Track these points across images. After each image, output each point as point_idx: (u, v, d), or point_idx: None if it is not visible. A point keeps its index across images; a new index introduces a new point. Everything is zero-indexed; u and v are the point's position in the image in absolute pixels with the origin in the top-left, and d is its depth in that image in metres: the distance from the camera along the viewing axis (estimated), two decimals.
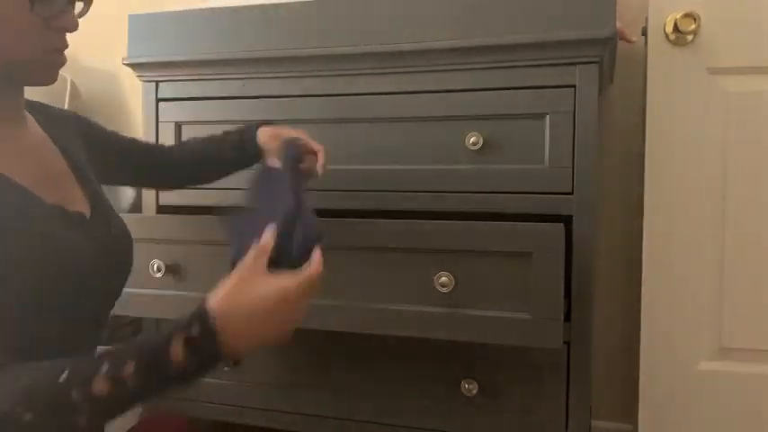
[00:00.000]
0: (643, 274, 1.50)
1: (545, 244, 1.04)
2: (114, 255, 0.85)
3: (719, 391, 1.48)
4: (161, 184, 1.28)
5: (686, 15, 1.42)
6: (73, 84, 2.02)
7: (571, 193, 1.23)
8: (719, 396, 1.48)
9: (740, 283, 1.46)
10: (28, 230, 0.71)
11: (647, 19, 1.49)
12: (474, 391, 1.29)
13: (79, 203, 0.84)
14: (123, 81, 2.15)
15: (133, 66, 1.50)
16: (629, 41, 1.60)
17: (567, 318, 1.23)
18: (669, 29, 1.45)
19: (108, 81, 2.17)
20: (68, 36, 0.78)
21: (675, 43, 1.47)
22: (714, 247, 1.47)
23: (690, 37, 1.45)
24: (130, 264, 0.91)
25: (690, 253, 1.48)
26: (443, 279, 1.08)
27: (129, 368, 0.62)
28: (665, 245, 1.49)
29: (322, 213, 1.31)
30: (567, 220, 1.24)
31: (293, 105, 1.41)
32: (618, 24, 1.47)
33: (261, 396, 1.45)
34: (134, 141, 1.14)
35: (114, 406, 0.62)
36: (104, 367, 0.61)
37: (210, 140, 1.22)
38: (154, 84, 1.51)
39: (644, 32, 1.52)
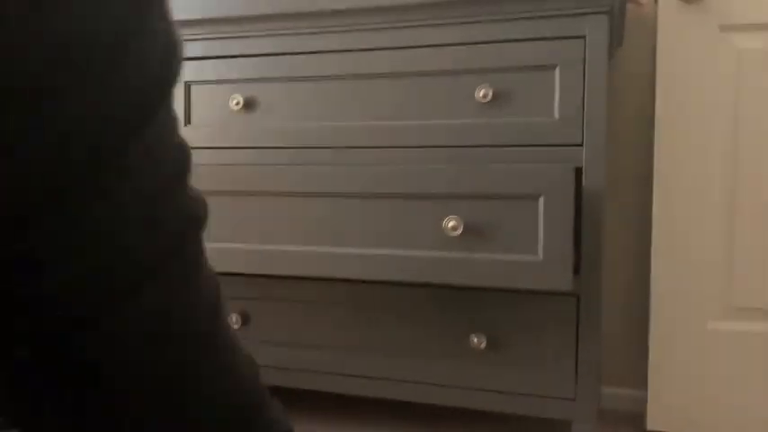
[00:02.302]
0: (653, 235, 1.50)
1: (555, 186, 1.04)
2: None
3: (729, 350, 1.48)
4: None
5: None
6: None
7: (581, 145, 1.23)
8: (729, 355, 1.48)
9: (751, 243, 1.45)
10: None
11: None
12: (483, 345, 1.28)
13: None
14: None
15: None
16: (637, 4, 1.60)
17: (577, 270, 1.23)
18: None
19: None
20: None
21: (687, 1, 1.46)
22: (725, 206, 1.46)
23: None
24: None
25: (700, 212, 1.47)
26: (452, 223, 1.08)
27: None
28: (676, 204, 1.48)
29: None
30: (577, 173, 1.24)
31: (299, 62, 1.41)
32: None
33: (271, 354, 1.45)
34: None
35: None
36: None
37: None
38: None
39: None
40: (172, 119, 0.32)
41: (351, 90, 1.38)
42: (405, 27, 1.33)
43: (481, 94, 1.27)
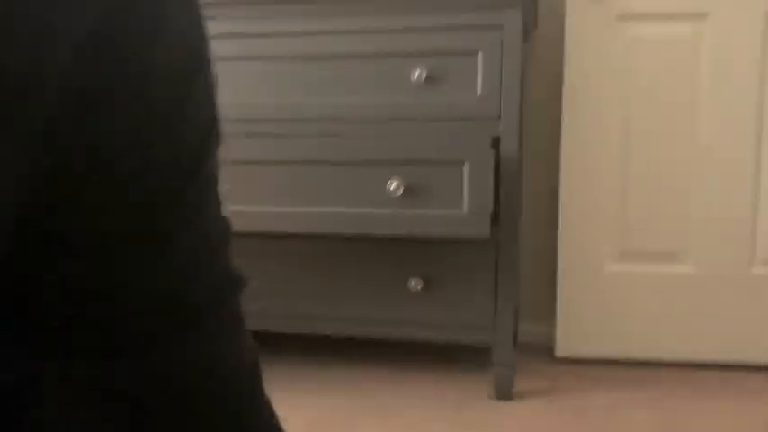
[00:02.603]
0: (560, 191, 1.78)
1: (476, 152, 1.29)
2: None
3: (623, 287, 1.78)
4: None
5: None
6: None
7: (499, 117, 1.47)
8: (623, 292, 1.78)
9: (640, 198, 1.75)
10: None
11: None
12: (419, 287, 1.53)
13: None
14: None
15: None
16: None
17: (496, 221, 1.48)
18: None
19: None
20: None
21: None
22: (619, 169, 1.75)
23: None
24: None
25: (600, 170, 1.76)
26: (394, 185, 1.31)
27: None
28: (578, 168, 1.76)
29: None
30: (495, 141, 1.48)
31: (251, 43, 1.59)
32: None
33: None
34: None
35: None
36: None
37: None
38: None
39: None
40: (216, 177, 0.33)
41: (298, 69, 1.57)
42: (346, 15, 1.53)
43: (415, 75, 1.49)
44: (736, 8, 1.67)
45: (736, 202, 1.71)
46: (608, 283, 1.79)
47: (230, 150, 1.36)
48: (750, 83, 1.68)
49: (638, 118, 1.73)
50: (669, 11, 1.70)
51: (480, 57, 1.48)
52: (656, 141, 1.73)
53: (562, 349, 1.83)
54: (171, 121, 0.28)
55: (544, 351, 1.90)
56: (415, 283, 1.54)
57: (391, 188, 1.31)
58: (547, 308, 1.95)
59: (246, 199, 1.44)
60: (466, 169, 1.30)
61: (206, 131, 0.31)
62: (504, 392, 1.54)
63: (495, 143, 1.46)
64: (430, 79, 1.50)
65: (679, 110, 1.71)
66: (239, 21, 1.59)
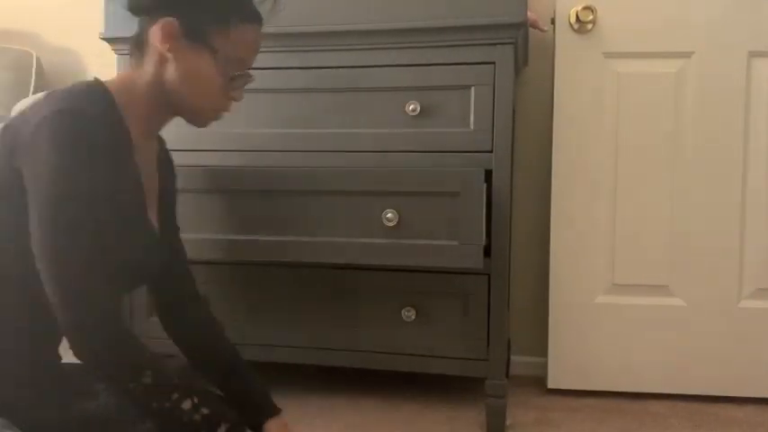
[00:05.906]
0: (551, 225, 1.80)
1: (469, 184, 1.31)
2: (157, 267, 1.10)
3: (612, 319, 1.80)
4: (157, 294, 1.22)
5: (585, 8, 1.72)
6: (38, 59, 2.16)
7: (491, 151, 1.50)
8: (612, 324, 1.80)
9: (628, 233, 1.78)
10: (135, 243, 1.00)
11: (555, 11, 1.78)
12: (413, 317, 1.54)
13: (154, 223, 1.07)
14: (83, 56, 2.31)
15: (110, 40, 1.68)
16: (541, 30, 1.89)
17: (488, 254, 1.50)
18: (573, 19, 1.75)
19: (68, 56, 2.31)
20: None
21: (578, 31, 1.76)
22: (608, 202, 1.78)
23: (589, 26, 1.75)
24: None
25: (588, 207, 1.78)
26: (389, 215, 1.33)
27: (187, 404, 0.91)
28: (569, 201, 1.79)
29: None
30: (488, 175, 1.50)
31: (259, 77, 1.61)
32: (532, 15, 1.75)
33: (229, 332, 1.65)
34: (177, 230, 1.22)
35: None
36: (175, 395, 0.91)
37: (225, 363, 1.23)
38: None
39: (553, 22, 1.81)
40: None
41: (296, 102, 1.60)
42: (347, 50, 1.57)
43: (410, 108, 1.52)
44: (721, 47, 1.72)
45: (723, 236, 1.74)
46: (599, 315, 1.81)
47: (230, 179, 1.38)
48: (735, 119, 1.73)
49: (626, 152, 1.77)
50: (655, 50, 1.74)
51: (473, 91, 1.51)
52: (643, 175, 1.76)
53: (554, 381, 1.84)
54: None
55: (536, 383, 1.91)
56: (408, 314, 1.55)
57: (386, 218, 1.33)
58: (538, 340, 1.96)
59: (243, 228, 1.45)
60: (459, 201, 1.32)
61: None
62: (497, 425, 1.54)
63: (488, 176, 1.48)
64: (424, 112, 1.53)
65: (666, 145, 1.75)
66: None
